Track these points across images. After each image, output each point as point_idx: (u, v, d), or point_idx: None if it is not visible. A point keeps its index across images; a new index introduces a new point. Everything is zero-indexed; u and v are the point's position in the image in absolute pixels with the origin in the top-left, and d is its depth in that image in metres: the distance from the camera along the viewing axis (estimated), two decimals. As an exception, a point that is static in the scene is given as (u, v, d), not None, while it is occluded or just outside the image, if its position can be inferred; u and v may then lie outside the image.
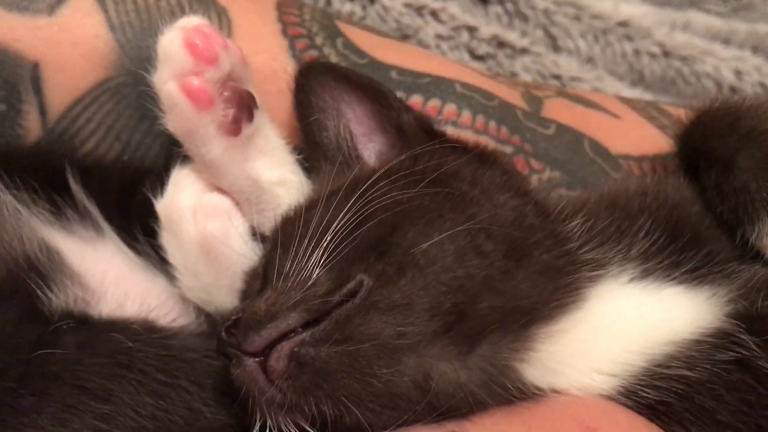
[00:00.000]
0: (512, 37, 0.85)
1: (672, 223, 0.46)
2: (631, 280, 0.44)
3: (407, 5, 0.82)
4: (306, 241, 0.40)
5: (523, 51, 0.84)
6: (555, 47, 0.88)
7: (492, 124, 0.53)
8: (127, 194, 0.49)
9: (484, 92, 0.54)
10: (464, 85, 0.54)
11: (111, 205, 0.49)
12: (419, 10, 0.82)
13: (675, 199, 0.48)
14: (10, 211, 0.46)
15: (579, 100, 0.59)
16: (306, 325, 0.38)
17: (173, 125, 0.43)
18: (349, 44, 0.54)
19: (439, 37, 0.85)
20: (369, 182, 0.42)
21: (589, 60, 0.87)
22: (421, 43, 0.88)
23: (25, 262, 0.45)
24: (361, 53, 0.54)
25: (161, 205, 0.46)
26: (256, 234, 0.46)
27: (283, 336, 0.38)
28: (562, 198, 0.49)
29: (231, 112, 0.43)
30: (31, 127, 0.49)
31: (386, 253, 0.40)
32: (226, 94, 0.43)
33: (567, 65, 0.84)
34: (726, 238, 0.46)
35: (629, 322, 0.43)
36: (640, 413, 0.42)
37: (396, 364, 0.38)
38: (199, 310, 0.47)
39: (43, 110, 0.49)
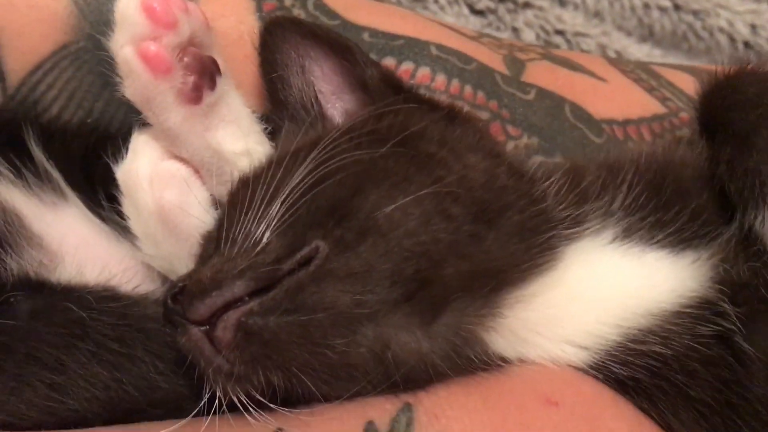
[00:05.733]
0: (514, -11, 0.87)
1: (656, 178, 0.47)
2: (613, 240, 0.46)
3: (402, -43, 0.84)
4: (257, 203, 0.41)
5: (526, 5, 0.86)
6: (561, 1, 0.89)
7: (468, 89, 0.55)
8: (91, 159, 0.52)
9: (462, 55, 0.56)
10: (440, 47, 0.56)
11: (75, 169, 0.52)
12: (415, -39, 0.84)
13: (662, 157, 0.49)
14: None
15: (564, 62, 0.61)
16: (255, 294, 0.40)
17: (130, 92, 0.46)
18: (320, 5, 0.56)
19: None
20: (328, 141, 0.43)
21: (597, 14, 0.89)
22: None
23: None
24: (332, 14, 0.56)
25: (120, 173, 0.48)
26: (217, 205, 0.49)
27: (230, 305, 0.39)
28: (540, 163, 0.51)
29: (191, 79, 0.46)
30: None
31: (346, 217, 0.41)
32: (186, 60, 0.46)
33: (572, 20, 0.86)
34: (714, 200, 0.46)
35: (607, 288, 0.45)
36: (607, 386, 0.44)
37: (352, 334, 0.40)
38: (165, 277, 0.51)
39: (1, 76, 0.52)
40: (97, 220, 0.50)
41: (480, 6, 0.90)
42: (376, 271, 0.41)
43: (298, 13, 0.55)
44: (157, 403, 0.44)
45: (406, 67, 0.55)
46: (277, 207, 0.41)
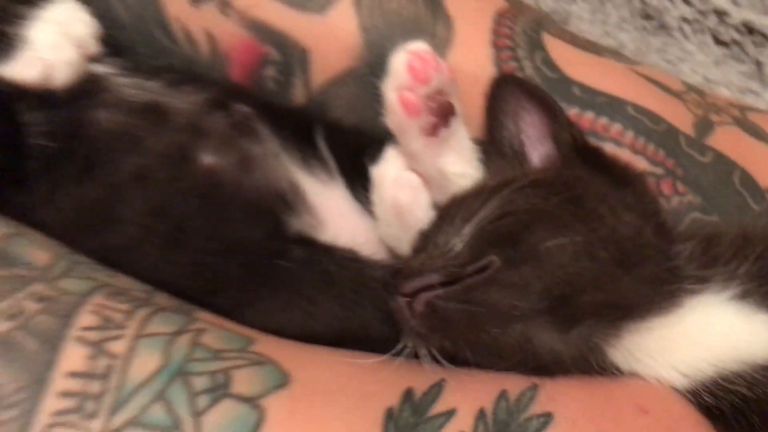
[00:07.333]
0: (767, 23, 0.93)
1: None
2: (731, 298, 0.57)
3: (659, -14, 0.93)
4: (458, 220, 0.57)
5: (773, 40, 0.93)
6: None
7: (651, 146, 0.68)
8: (361, 154, 0.67)
9: (654, 116, 0.69)
10: (636, 107, 0.69)
11: (346, 160, 0.69)
12: (670, -8, 0.93)
13: None
14: (272, 154, 0.67)
15: (753, 130, 0.70)
16: (443, 284, 0.55)
17: (389, 122, 0.63)
18: (546, 59, 0.71)
19: (684, 20, 0.95)
20: (517, 185, 0.59)
21: None
22: (664, 26, 0.99)
23: (278, 192, 0.66)
24: (553, 68, 0.70)
25: (374, 171, 0.65)
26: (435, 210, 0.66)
27: (426, 288, 0.55)
28: (694, 222, 0.63)
29: (433, 119, 0.62)
30: (298, 96, 0.72)
31: (517, 244, 0.55)
32: (431, 105, 0.62)
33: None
34: None
35: (714, 335, 0.57)
36: (696, 409, 0.56)
37: (504, 326, 0.54)
38: (392, 251, 0.69)
39: (307, 85, 0.72)
40: (355, 201, 0.68)
41: (725, 37, 0.96)
42: (531, 286, 0.54)
43: (526, 64, 0.70)
44: (371, 339, 0.61)
45: (602, 121, 0.68)
46: (471, 226, 0.57)
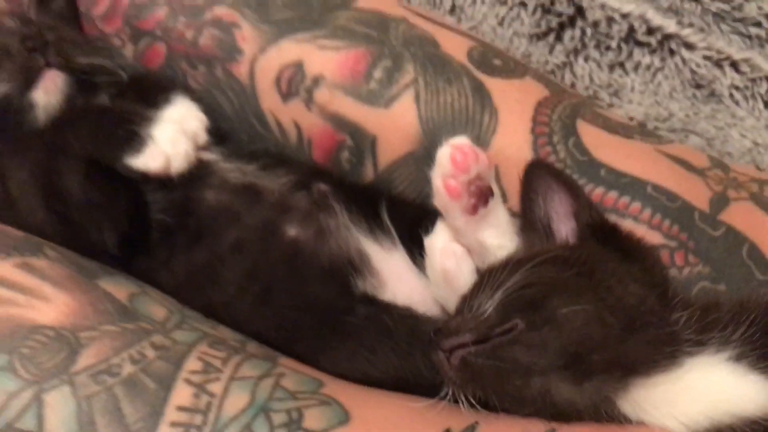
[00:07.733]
0: (817, 90, 1.00)
1: None
2: (726, 359, 0.63)
3: (707, 58, 1.02)
4: (489, 288, 0.65)
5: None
6: None
7: (666, 222, 0.77)
8: (418, 225, 0.76)
9: (671, 194, 0.78)
10: (656, 187, 0.78)
11: (407, 230, 0.78)
12: (719, 62, 1.01)
13: None
14: (344, 225, 0.79)
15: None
16: (476, 342, 0.63)
17: (436, 203, 0.75)
18: (577, 143, 0.81)
19: (734, 87, 1.02)
20: (540, 260, 0.68)
21: None
22: (713, 94, 1.06)
23: (347, 259, 0.77)
24: (584, 151, 0.81)
25: (426, 241, 0.74)
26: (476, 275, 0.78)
27: (461, 346, 0.63)
28: (701, 290, 0.72)
29: (472, 201, 0.73)
30: (367, 175, 0.86)
31: (538, 310, 0.63)
32: (471, 189, 0.73)
33: None
34: None
35: (711, 392, 0.65)
36: None
37: (526, 379, 0.62)
38: (443, 308, 0.81)
39: (375, 166, 0.85)
40: (413, 265, 0.77)
41: (776, 104, 1.02)
42: (550, 346, 0.62)
43: (559, 148, 0.81)
44: (420, 384, 0.70)
45: (624, 200, 0.78)
46: (500, 293, 0.64)
